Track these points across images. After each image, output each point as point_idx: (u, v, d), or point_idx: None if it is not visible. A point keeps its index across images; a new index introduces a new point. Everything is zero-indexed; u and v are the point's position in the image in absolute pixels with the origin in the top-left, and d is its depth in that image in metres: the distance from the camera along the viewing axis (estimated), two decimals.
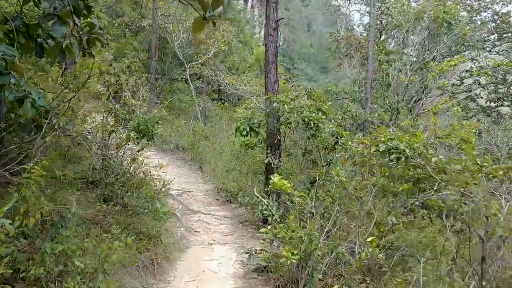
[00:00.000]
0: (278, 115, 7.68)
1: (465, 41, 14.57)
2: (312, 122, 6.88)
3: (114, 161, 5.43)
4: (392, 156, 5.34)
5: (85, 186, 6.23)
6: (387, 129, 5.90)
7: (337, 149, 7.49)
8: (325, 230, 4.86)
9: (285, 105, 7.03)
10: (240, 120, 7.59)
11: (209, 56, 19.12)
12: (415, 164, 5.99)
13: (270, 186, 4.95)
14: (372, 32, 12.62)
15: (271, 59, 7.83)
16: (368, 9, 16.32)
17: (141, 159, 7.04)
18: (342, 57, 16.25)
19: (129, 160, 6.26)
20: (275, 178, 4.82)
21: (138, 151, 6.47)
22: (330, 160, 7.34)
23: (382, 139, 5.97)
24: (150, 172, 7.76)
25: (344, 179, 5.90)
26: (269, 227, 4.65)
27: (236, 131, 7.72)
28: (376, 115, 11.48)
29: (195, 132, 14.96)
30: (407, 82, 12.73)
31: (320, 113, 7.07)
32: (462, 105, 16.52)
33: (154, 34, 14.39)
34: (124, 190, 6.13)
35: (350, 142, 7.19)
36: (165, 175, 8.38)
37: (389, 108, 13.08)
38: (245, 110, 9.34)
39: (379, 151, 5.58)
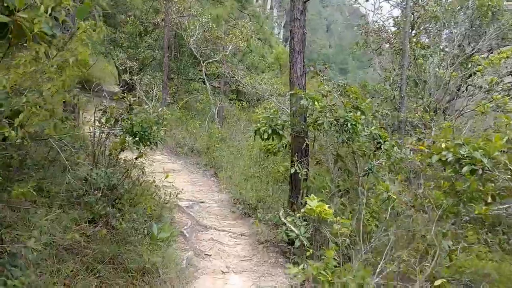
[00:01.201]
0: (305, 115, 6.41)
1: None
2: (348, 123, 5.58)
3: (97, 173, 4.22)
4: (465, 169, 3.99)
5: (73, 201, 5.11)
6: (450, 130, 4.55)
7: (377, 156, 6.17)
8: (377, 270, 3.56)
9: (315, 103, 5.74)
10: (261, 121, 6.35)
11: (226, 53, 17.97)
12: (487, 177, 4.65)
13: (304, 210, 3.66)
14: (408, 22, 11.20)
15: (297, 48, 6.55)
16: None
17: (142, 167, 5.90)
18: (373, 51, 14.80)
19: (124, 170, 5.08)
20: (312, 200, 3.51)
21: (136, 158, 5.29)
22: (370, 169, 6.01)
23: (443, 145, 4.64)
24: (154, 181, 6.62)
25: (395, 196, 4.58)
26: (300, 268, 3.36)
27: (255, 133, 6.47)
28: (416, 115, 10.04)
29: (211, 134, 13.78)
30: (448, 78, 11.24)
31: (358, 112, 5.76)
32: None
33: (167, 28, 13.29)
34: (117, 207, 4.96)
35: (395, 148, 5.86)
36: (173, 183, 7.27)
37: (427, 108, 11.60)
38: (265, 110, 8.09)
39: (444, 160, 4.25)
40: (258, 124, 6.35)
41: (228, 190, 9.45)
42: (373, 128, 5.78)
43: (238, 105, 19.18)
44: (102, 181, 4.14)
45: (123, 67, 18.83)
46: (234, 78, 19.02)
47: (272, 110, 6.59)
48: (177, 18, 16.11)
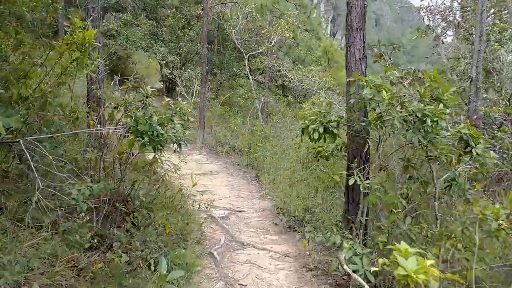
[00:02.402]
0: (366, 110, 5.04)
1: None
2: (428, 120, 4.16)
3: (79, 191, 3.11)
4: None
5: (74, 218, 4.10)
6: None
7: (463, 162, 4.69)
8: None
9: (384, 92, 4.36)
10: (309, 117, 5.05)
11: (271, 45, 16.76)
12: None
13: (389, 272, 2.28)
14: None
15: (355, 25, 5.19)
16: None
17: (163, 174, 4.82)
18: (438, 38, 12.95)
19: (133, 181, 3.99)
20: (403, 253, 2.11)
21: (150, 164, 4.19)
22: (453, 179, 4.55)
23: None
24: (181, 190, 5.55)
25: (506, 225, 3.15)
26: None
27: (302, 132, 5.19)
28: (499, 109, 8.26)
29: (253, 132, 12.62)
30: None
31: (440, 105, 4.32)
32: None
33: (206, 17, 12.23)
34: (126, 227, 3.90)
35: (491, 153, 4.37)
36: (209, 188, 6.18)
37: (506, 101, 9.78)
38: (314, 106, 6.76)
39: None
40: (306, 121, 5.05)
41: (271, 197, 8.25)
42: (461, 126, 4.31)
43: (284, 100, 17.91)
44: (84, 202, 3.03)
45: (165, 62, 18.24)
46: (280, 72, 17.86)
47: (325, 103, 5.26)
48: (218, 7, 15.09)
